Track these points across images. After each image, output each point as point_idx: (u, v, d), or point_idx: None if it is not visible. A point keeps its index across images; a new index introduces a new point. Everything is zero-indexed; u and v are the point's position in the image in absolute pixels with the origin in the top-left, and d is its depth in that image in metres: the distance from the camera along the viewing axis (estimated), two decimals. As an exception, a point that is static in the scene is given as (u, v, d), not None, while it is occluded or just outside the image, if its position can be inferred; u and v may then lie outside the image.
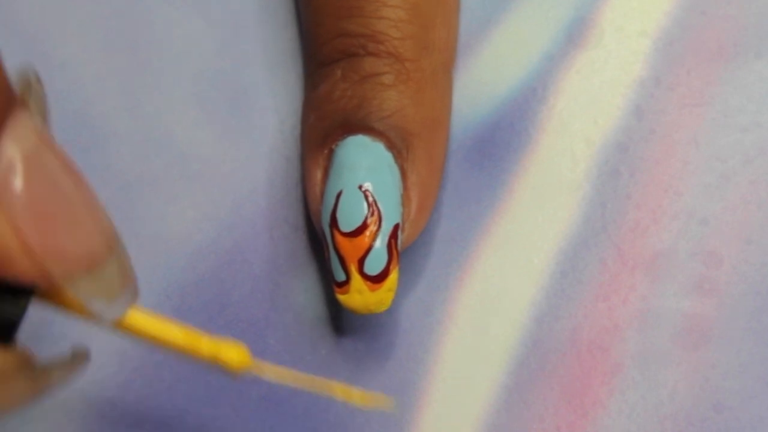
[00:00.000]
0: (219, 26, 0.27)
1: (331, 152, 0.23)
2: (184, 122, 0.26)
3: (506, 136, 0.26)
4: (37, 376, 0.16)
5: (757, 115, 0.26)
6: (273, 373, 0.19)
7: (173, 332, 0.18)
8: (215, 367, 0.18)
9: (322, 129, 0.23)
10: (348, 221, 0.22)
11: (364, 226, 0.22)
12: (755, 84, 0.26)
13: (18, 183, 0.14)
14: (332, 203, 0.22)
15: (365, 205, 0.22)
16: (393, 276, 0.22)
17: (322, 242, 0.23)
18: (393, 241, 0.22)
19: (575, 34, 0.27)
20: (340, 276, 0.22)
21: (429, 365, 0.25)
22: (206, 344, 0.18)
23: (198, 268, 0.25)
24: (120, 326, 0.17)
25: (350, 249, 0.22)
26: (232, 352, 0.18)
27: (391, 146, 0.23)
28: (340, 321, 0.25)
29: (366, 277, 0.22)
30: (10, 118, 0.14)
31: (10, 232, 0.14)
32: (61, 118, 0.26)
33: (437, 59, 0.24)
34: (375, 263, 0.22)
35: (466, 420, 0.24)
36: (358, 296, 0.22)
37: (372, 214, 0.22)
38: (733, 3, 0.26)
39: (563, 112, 0.26)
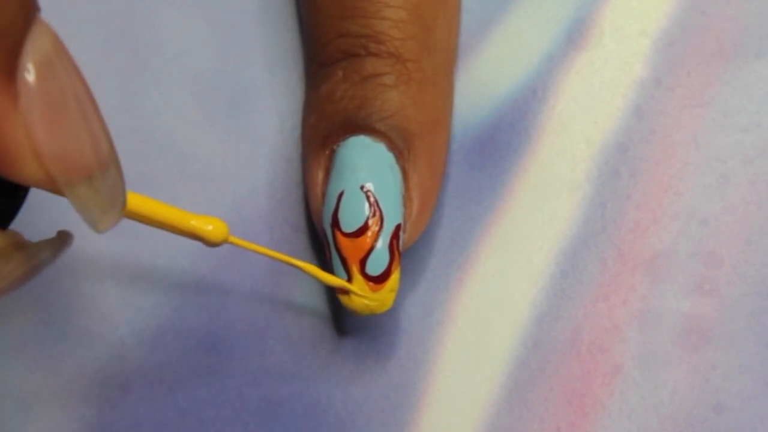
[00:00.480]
0: (219, 26, 0.27)
1: (333, 153, 0.23)
2: (184, 122, 0.26)
3: (506, 136, 0.26)
4: (29, 255, 0.17)
5: (757, 115, 0.26)
6: (248, 246, 0.21)
7: (165, 211, 0.19)
8: (198, 239, 0.20)
9: (324, 129, 0.23)
10: (350, 222, 0.22)
11: (365, 227, 0.22)
12: (755, 84, 0.26)
13: (33, 87, 0.15)
14: (334, 204, 0.22)
15: (367, 205, 0.22)
16: (394, 276, 0.22)
17: (323, 243, 0.23)
18: (395, 241, 0.22)
19: (575, 34, 0.27)
20: (342, 276, 0.22)
21: (429, 365, 0.25)
22: (194, 220, 0.20)
23: (198, 268, 0.25)
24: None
25: (352, 249, 0.22)
26: (212, 225, 0.20)
27: (392, 147, 0.23)
28: (341, 321, 0.25)
29: (368, 278, 0.22)
30: (33, 25, 0.15)
31: (23, 134, 0.15)
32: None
33: (438, 60, 0.24)
34: (377, 264, 0.22)
35: (466, 420, 0.24)
36: (359, 297, 0.22)
37: (374, 215, 0.22)
38: (733, 3, 0.26)
39: (563, 113, 0.26)
